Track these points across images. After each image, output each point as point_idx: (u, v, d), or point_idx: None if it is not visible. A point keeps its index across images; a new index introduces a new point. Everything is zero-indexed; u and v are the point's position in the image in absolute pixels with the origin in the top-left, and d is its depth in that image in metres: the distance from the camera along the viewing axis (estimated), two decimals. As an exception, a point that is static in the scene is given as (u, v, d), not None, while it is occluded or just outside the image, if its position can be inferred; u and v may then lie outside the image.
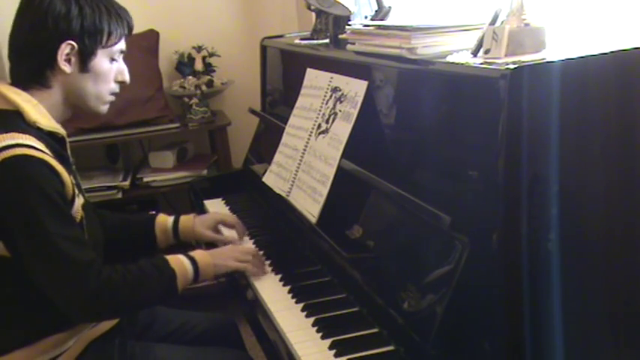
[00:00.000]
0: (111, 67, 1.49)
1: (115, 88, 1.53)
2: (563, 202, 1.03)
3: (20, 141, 1.32)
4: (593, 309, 1.10)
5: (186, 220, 1.79)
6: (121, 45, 1.51)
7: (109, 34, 1.46)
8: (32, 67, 1.43)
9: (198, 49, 2.94)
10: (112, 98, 1.53)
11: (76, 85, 1.46)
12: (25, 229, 1.32)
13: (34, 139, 1.35)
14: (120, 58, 1.53)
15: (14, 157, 1.30)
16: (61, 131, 1.46)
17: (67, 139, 1.50)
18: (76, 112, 1.52)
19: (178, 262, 1.48)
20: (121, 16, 1.49)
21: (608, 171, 1.08)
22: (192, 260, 1.50)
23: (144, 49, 2.88)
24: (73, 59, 1.43)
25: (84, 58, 1.44)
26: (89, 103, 1.50)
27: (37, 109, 1.42)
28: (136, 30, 2.96)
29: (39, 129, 1.39)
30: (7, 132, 1.33)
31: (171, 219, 1.79)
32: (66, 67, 1.43)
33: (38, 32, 1.41)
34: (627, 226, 1.11)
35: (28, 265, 1.35)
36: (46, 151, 1.36)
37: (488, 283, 1.05)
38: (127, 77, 1.54)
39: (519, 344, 1.03)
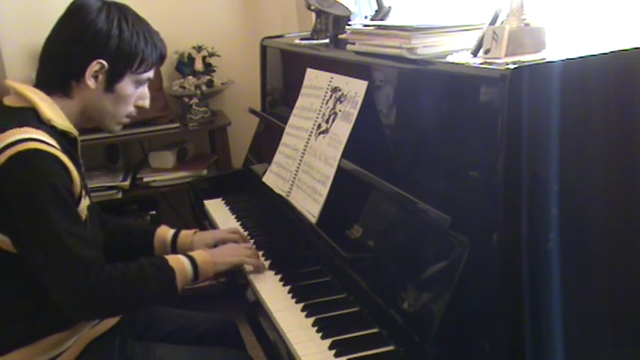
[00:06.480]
0: (134, 92, 1.52)
1: (133, 111, 1.55)
2: (563, 202, 1.03)
3: (33, 135, 1.34)
4: (593, 309, 1.10)
5: (185, 235, 1.78)
6: (150, 73, 1.53)
7: (141, 62, 1.48)
8: (59, 73, 1.46)
9: (198, 49, 2.94)
10: (127, 120, 1.56)
11: (96, 101, 1.48)
12: (32, 222, 1.33)
13: (46, 135, 1.37)
14: (145, 85, 1.54)
15: (26, 151, 1.31)
16: (74, 132, 1.47)
17: (79, 141, 1.51)
18: (89, 123, 1.54)
19: (177, 261, 1.49)
20: (157, 45, 1.51)
21: (608, 171, 1.08)
22: (192, 259, 1.51)
23: (144, 49, 2.88)
24: (100, 77, 1.45)
25: (111, 79, 1.47)
26: (104, 121, 1.53)
27: (52, 107, 1.43)
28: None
29: (52, 127, 1.41)
30: (20, 126, 1.35)
31: (171, 233, 1.78)
32: (91, 83, 1.45)
33: (75, 44, 1.44)
34: (627, 225, 1.11)
35: (30, 258, 1.35)
36: (58, 147, 1.37)
37: (489, 283, 1.05)
38: (147, 103, 1.56)
39: (519, 344, 1.03)
